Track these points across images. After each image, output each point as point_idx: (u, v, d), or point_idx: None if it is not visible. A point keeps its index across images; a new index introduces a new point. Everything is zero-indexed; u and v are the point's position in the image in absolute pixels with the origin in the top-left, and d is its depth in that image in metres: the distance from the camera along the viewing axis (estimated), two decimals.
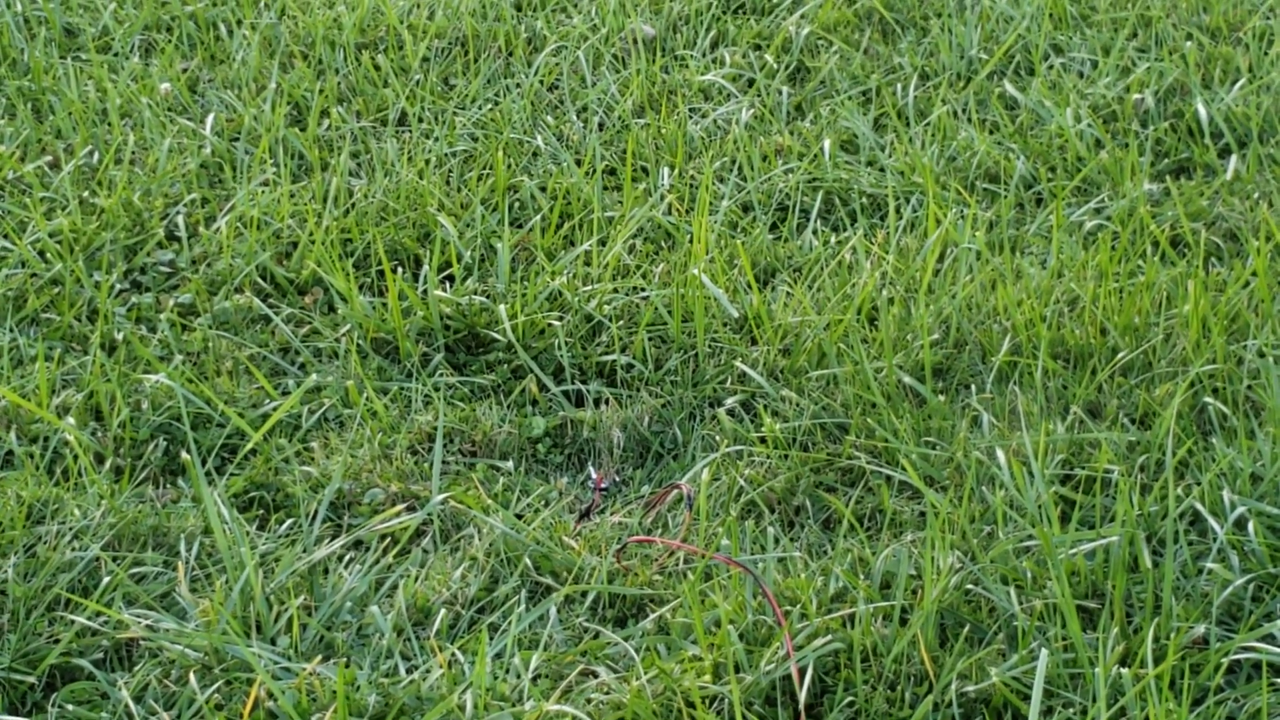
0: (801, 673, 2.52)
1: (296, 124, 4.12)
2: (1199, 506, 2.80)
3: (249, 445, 3.03)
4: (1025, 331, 3.23)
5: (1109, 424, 3.05)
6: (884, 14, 4.56)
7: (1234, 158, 3.86)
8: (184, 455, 2.95)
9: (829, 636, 2.57)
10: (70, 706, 2.54)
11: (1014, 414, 3.07)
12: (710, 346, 3.29)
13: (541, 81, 4.26)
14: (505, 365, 3.27)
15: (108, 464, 3.00)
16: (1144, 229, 3.57)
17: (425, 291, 3.40)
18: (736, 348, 3.28)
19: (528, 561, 2.78)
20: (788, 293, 3.42)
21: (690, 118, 4.11)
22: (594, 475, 3.03)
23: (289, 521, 2.89)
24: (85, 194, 3.74)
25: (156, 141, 3.95)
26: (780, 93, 4.20)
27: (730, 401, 3.16)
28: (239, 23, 4.54)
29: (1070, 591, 2.58)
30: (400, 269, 3.52)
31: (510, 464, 3.05)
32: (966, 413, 3.08)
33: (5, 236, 3.60)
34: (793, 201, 3.77)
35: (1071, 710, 2.51)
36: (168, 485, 3.01)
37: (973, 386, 3.15)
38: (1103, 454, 2.91)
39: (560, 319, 3.34)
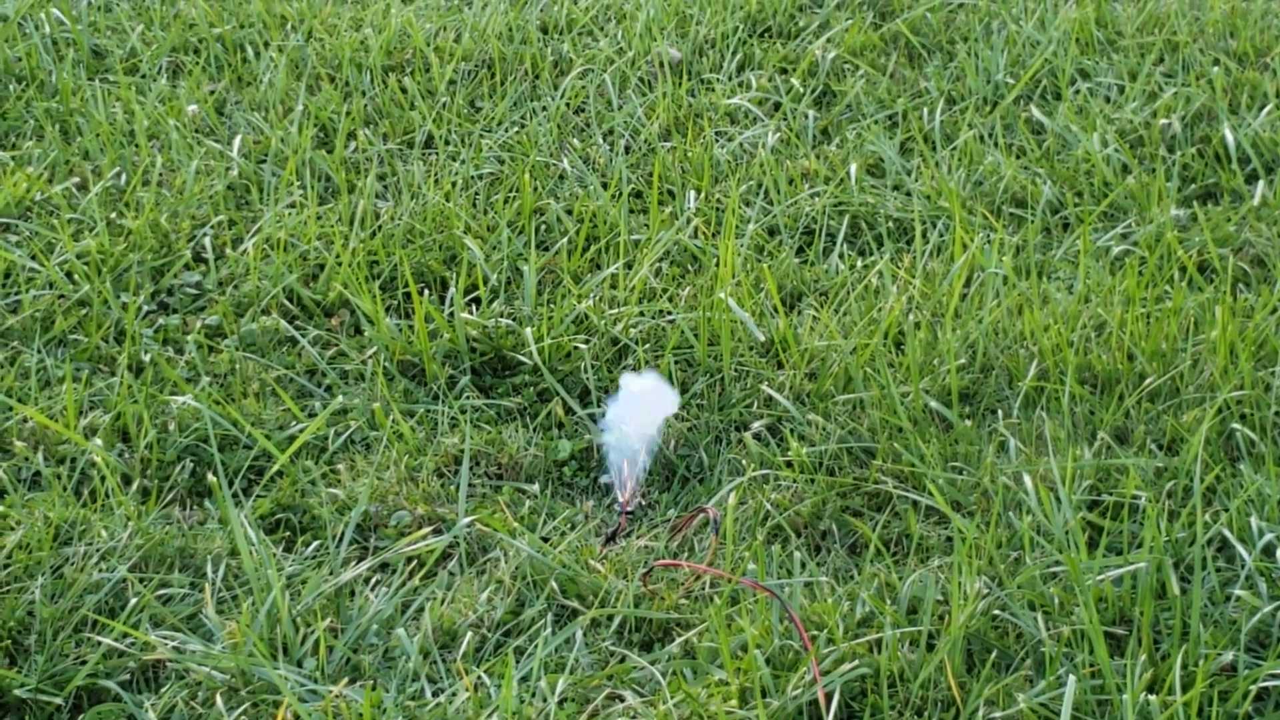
0: (828, 698, 2.52)
1: (323, 146, 4.13)
2: (1227, 533, 2.79)
3: (275, 467, 3.03)
4: (1052, 357, 3.23)
5: (1136, 450, 3.05)
6: (910, 38, 4.56)
7: (1261, 183, 3.86)
8: (210, 477, 2.95)
9: (855, 662, 2.56)
10: None
11: (1041, 439, 3.07)
12: (736, 370, 3.29)
13: (568, 104, 4.27)
14: (531, 388, 3.28)
15: (135, 485, 3.01)
16: (1171, 254, 3.57)
17: (451, 314, 3.41)
18: (763, 371, 3.28)
19: (554, 585, 2.78)
20: (814, 317, 3.42)
21: (716, 141, 4.11)
22: (620, 499, 3.03)
23: (315, 543, 2.89)
24: (112, 215, 3.75)
25: (184, 163, 3.96)
26: (806, 116, 4.20)
27: (756, 425, 3.16)
28: (266, 45, 4.55)
29: (1098, 618, 2.58)
30: (426, 291, 3.53)
31: (536, 487, 3.05)
32: (993, 438, 3.08)
33: (33, 258, 3.61)
34: (819, 225, 3.77)
35: None
36: (194, 507, 3.01)
37: (999, 411, 3.15)
38: (1130, 480, 2.90)
39: (586, 342, 3.34)
